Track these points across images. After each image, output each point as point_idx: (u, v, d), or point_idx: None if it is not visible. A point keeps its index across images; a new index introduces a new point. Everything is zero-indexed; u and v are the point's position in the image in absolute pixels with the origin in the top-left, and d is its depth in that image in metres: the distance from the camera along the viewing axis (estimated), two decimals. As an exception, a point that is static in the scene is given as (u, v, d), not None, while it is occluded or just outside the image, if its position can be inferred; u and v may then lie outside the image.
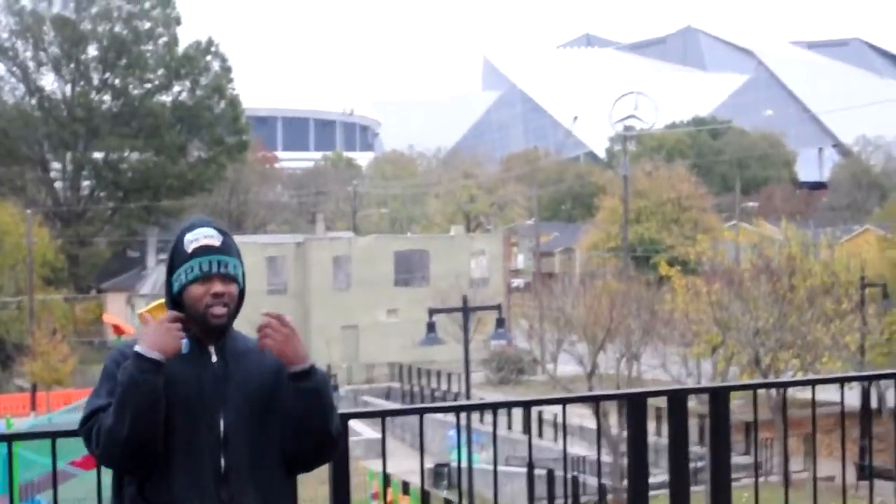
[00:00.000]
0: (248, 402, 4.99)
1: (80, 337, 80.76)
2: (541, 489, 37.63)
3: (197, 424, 4.91)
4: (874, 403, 47.10)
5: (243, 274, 5.14)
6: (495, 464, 7.16)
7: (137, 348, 4.78)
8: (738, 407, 7.17)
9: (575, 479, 34.62)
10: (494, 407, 7.62)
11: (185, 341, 4.86)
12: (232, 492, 4.93)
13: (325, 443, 5.09)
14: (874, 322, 38.87)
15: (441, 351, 57.01)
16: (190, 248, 5.00)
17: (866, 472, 32.67)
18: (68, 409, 40.40)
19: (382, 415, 7.13)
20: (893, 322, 39.18)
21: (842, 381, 7.84)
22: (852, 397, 44.51)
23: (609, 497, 35.88)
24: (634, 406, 7.14)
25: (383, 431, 6.76)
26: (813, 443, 26.46)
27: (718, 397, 7.11)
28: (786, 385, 7.64)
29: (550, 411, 42.97)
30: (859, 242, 70.26)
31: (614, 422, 40.48)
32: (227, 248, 5.06)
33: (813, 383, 7.63)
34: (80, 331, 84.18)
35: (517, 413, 47.83)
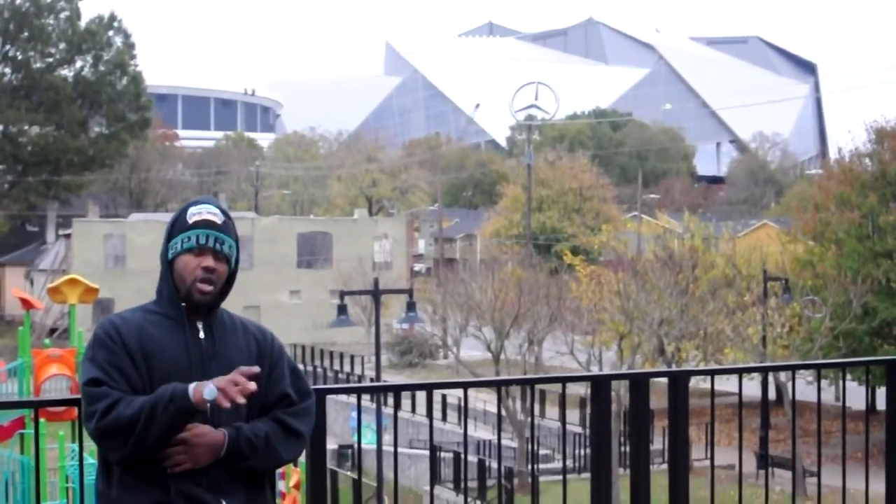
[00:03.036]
0: None
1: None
2: (447, 472, 38.06)
3: None
4: (773, 395, 48.05)
5: (237, 258, 5.25)
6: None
7: (192, 392, 4.78)
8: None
9: (481, 462, 35.02)
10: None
11: (210, 388, 4.79)
12: (218, 465, 4.97)
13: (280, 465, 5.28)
14: (775, 315, 39.48)
15: (342, 333, 57.15)
16: (191, 220, 5.11)
17: (765, 462, 33.37)
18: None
19: (358, 391, 7.39)
20: (793, 315, 39.84)
21: (740, 372, 8.18)
22: (753, 388, 45.39)
23: (515, 480, 36.31)
24: (599, 388, 7.43)
25: (359, 407, 6.88)
26: (711, 430, 27.17)
27: (678, 381, 7.40)
28: (740, 371, 7.97)
29: (455, 395, 43.27)
30: (758, 236, 71.33)
31: (519, 406, 40.97)
32: (226, 229, 5.18)
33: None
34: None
35: (420, 396, 48.04)
